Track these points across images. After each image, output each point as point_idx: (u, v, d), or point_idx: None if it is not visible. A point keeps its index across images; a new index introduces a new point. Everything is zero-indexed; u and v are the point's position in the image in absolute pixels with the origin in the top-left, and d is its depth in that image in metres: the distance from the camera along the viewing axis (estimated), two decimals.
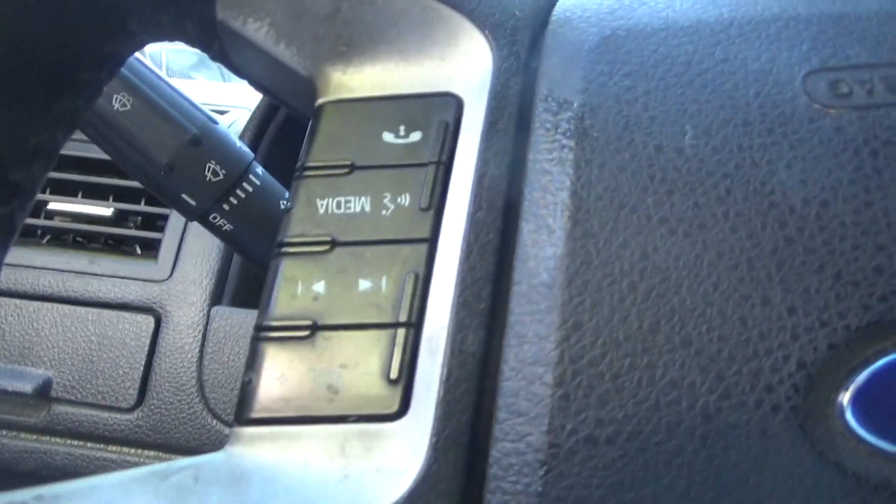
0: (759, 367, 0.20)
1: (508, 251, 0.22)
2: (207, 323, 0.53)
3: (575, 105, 0.23)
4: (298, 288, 0.22)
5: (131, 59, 0.35)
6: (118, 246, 0.58)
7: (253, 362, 0.22)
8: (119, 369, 0.53)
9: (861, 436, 0.20)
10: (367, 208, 0.23)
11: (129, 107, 0.34)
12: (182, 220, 0.56)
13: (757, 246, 0.20)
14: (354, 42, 0.25)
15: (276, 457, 0.21)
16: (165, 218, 0.57)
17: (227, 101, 0.68)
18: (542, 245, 0.21)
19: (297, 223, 0.23)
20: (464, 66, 0.25)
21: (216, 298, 0.54)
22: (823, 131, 0.22)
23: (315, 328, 0.22)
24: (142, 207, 0.58)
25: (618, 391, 0.20)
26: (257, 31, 0.25)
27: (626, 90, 0.23)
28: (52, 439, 0.54)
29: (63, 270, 0.55)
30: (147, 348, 0.53)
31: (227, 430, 0.52)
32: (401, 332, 0.21)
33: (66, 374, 0.54)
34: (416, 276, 0.22)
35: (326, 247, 0.23)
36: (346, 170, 0.24)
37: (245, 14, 0.25)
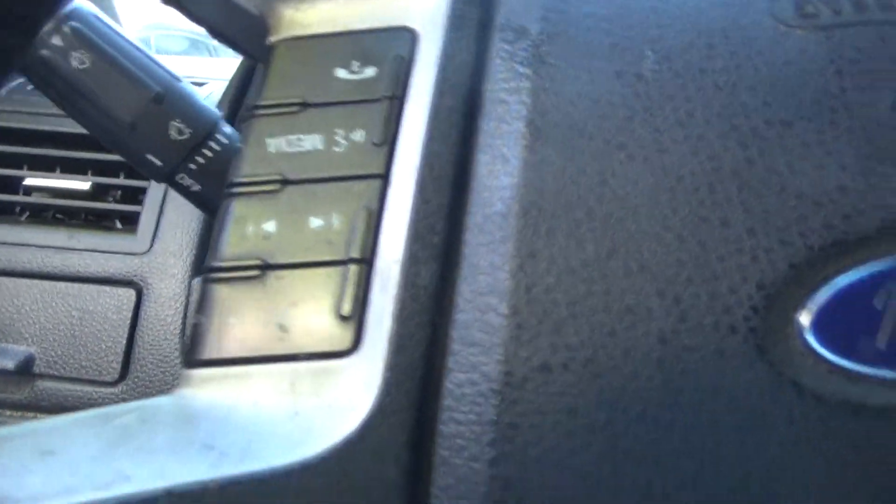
0: (717, 289, 0.19)
1: (464, 184, 0.21)
2: (189, 294, 0.53)
3: (532, 33, 0.22)
4: (249, 228, 0.22)
5: (90, 16, 0.34)
6: (98, 221, 0.58)
7: (202, 304, 0.21)
8: (102, 343, 0.53)
9: (821, 354, 0.19)
10: (320, 146, 0.22)
11: (87, 64, 0.33)
12: (161, 192, 0.56)
13: (718, 169, 0.20)
14: None
15: (225, 397, 0.20)
16: (145, 191, 0.56)
17: (208, 75, 0.67)
18: (498, 175, 0.21)
19: (247, 163, 0.23)
20: None
21: (197, 270, 0.54)
22: (789, 52, 0.21)
23: (266, 267, 0.21)
24: (121, 181, 0.58)
25: (573, 318, 0.19)
26: None
27: (585, 17, 0.22)
28: (37, 415, 0.54)
29: (42, 246, 0.55)
30: (129, 321, 0.53)
31: None
32: (353, 268, 0.21)
33: (49, 350, 0.53)
34: (369, 212, 0.21)
35: (277, 186, 0.22)
36: (297, 107, 0.23)
37: None
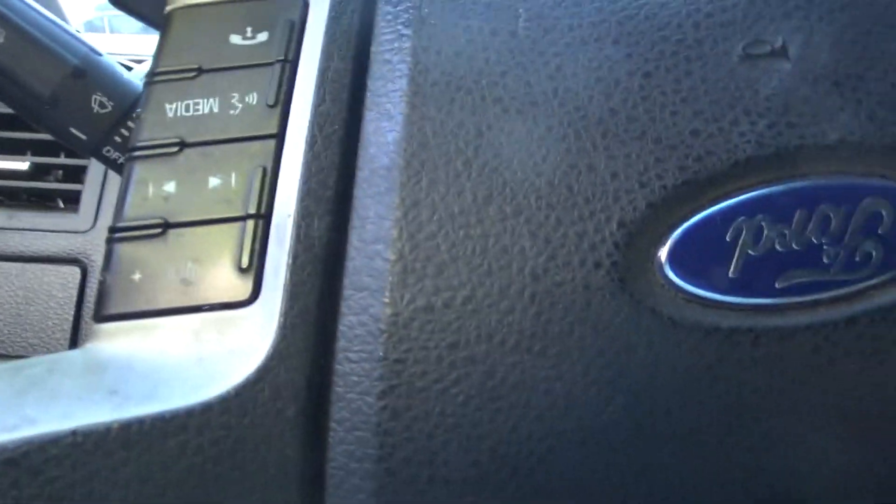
0: (584, 229, 0.21)
1: (353, 141, 0.23)
2: None
3: None
4: (150, 189, 0.23)
5: None
6: (40, 201, 0.58)
7: (108, 263, 0.23)
8: (48, 321, 0.54)
9: (678, 285, 0.21)
10: (216, 109, 0.24)
11: (1, 40, 0.33)
12: (102, 170, 0.56)
13: (584, 118, 0.22)
14: None
15: (132, 347, 0.22)
16: (86, 170, 0.57)
17: (147, 52, 0.67)
18: (383, 131, 0.22)
19: (147, 128, 0.24)
20: None
21: None
22: (649, 7, 0.23)
23: (167, 226, 0.22)
24: (61, 160, 0.58)
25: (453, 261, 0.21)
26: None
27: None
28: None
29: None
30: (75, 299, 0.54)
31: None
32: (250, 223, 0.22)
33: None
34: (265, 170, 0.23)
35: (176, 148, 0.23)
36: (193, 73, 0.24)
37: None
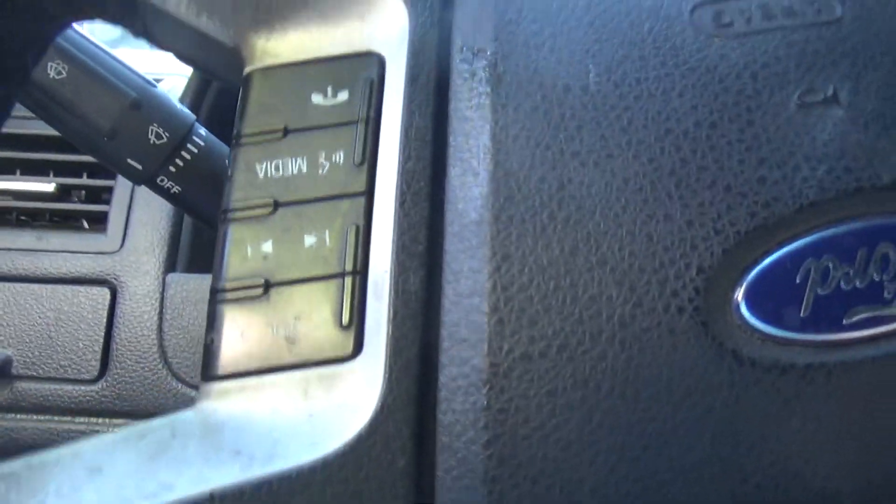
0: (665, 276, 0.22)
1: (440, 196, 0.24)
2: (164, 290, 0.54)
3: (488, 53, 0.24)
4: (248, 250, 0.24)
5: None
6: (64, 221, 0.58)
7: (213, 323, 0.23)
8: (79, 342, 0.54)
9: (755, 326, 0.22)
10: (304, 169, 0.24)
11: (64, 74, 0.34)
12: (128, 190, 0.56)
13: (657, 169, 0.23)
14: (274, 8, 0.26)
15: (244, 406, 0.22)
16: (110, 190, 0.57)
17: (160, 70, 0.67)
18: (469, 187, 0.23)
19: (239, 189, 0.25)
20: (382, 24, 0.26)
21: (170, 265, 0.55)
22: (710, 59, 0.24)
23: (268, 286, 0.23)
24: (84, 181, 0.58)
25: (546, 311, 0.22)
26: (178, 5, 0.25)
27: (533, 35, 0.24)
28: (18, 416, 0.55)
29: (10, 249, 0.55)
30: (105, 320, 0.54)
31: (191, 392, 0.54)
32: (348, 280, 0.23)
33: (27, 351, 0.54)
34: (357, 228, 0.24)
35: (269, 209, 0.24)
36: (279, 134, 0.25)
37: None
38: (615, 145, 0.23)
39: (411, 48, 0.25)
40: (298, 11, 0.26)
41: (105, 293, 0.54)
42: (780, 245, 0.23)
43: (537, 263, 0.22)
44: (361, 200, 0.24)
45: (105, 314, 0.54)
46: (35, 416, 0.55)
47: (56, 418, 0.54)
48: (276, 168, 0.25)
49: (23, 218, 0.58)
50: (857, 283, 0.23)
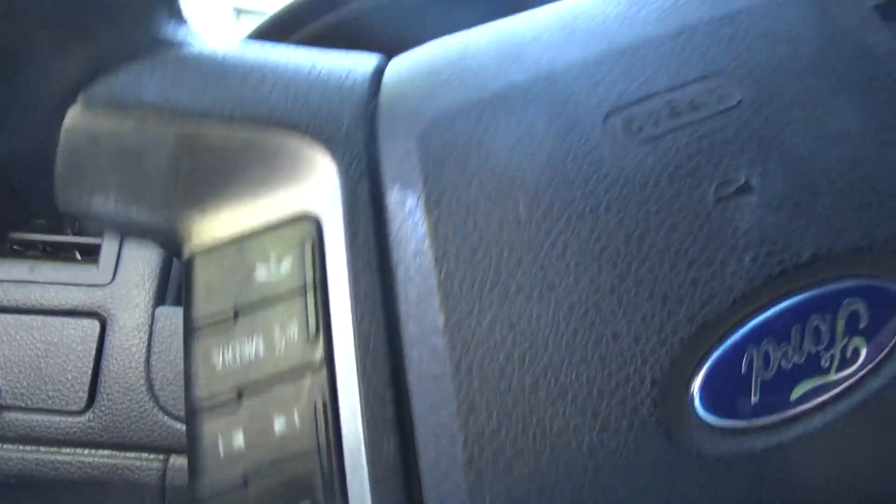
0: (624, 395, 0.22)
1: (399, 354, 0.23)
2: (153, 323, 0.55)
3: (421, 197, 0.24)
4: (220, 449, 0.23)
5: None
6: (56, 252, 0.59)
7: None
8: (67, 374, 0.55)
9: (711, 423, 0.22)
10: (262, 351, 0.24)
11: None
12: None
13: (598, 290, 0.22)
14: (202, 189, 0.25)
15: None
16: None
17: None
18: (427, 339, 0.23)
19: (201, 385, 0.24)
20: (312, 183, 0.25)
21: (160, 299, 0.56)
22: (628, 169, 0.23)
23: (246, 483, 0.23)
24: None
25: (519, 453, 0.22)
26: (104, 204, 0.25)
27: (460, 172, 0.24)
28: (4, 446, 0.55)
29: (3, 280, 0.56)
30: (94, 352, 0.55)
31: (178, 426, 0.54)
32: (324, 460, 0.23)
33: (14, 382, 0.55)
34: (325, 404, 0.23)
35: (233, 398, 0.23)
36: (230, 317, 0.24)
37: (87, 194, 0.25)
38: (555, 274, 0.23)
39: (346, 205, 0.24)
40: (227, 187, 0.25)
41: (95, 325, 0.55)
42: (721, 340, 0.23)
43: (503, 407, 0.22)
44: (323, 373, 0.23)
45: (94, 346, 0.55)
46: (21, 447, 0.55)
47: (43, 449, 0.55)
48: (234, 356, 0.24)
49: (16, 248, 0.59)
50: (797, 360, 0.23)
